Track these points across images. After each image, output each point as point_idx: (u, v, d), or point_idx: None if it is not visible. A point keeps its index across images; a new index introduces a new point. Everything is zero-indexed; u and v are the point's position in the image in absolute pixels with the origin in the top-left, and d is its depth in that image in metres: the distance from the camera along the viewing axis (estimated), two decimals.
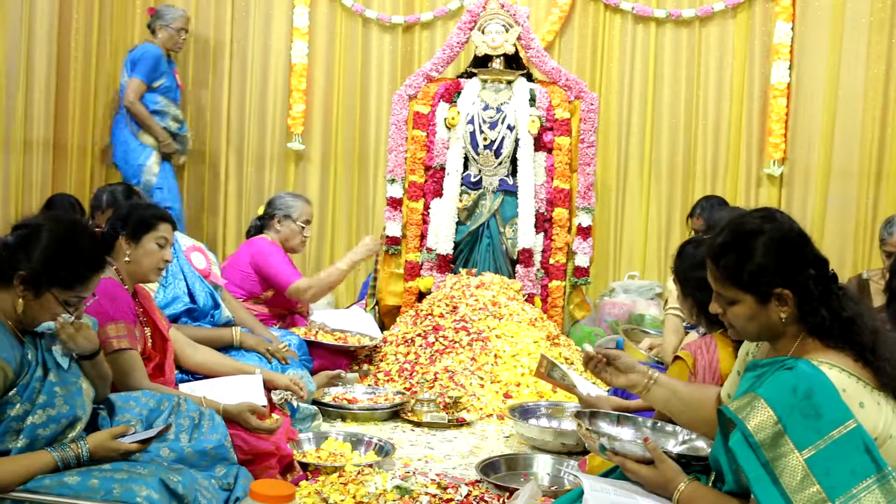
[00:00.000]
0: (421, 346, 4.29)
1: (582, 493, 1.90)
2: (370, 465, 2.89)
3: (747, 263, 1.84)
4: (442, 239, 5.08)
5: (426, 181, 5.20)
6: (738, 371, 2.06)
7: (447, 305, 4.56)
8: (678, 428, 2.20)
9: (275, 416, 3.00)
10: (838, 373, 1.75)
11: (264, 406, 2.94)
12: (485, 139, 5.07)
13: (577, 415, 2.20)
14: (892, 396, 1.78)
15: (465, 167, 5.14)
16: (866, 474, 1.66)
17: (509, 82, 5.16)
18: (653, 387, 2.14)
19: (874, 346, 1.79)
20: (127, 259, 2.81)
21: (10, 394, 2.04)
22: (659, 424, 2.22)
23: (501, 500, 2.68)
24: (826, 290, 1.84)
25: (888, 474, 1.67)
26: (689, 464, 1.98)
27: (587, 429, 2.07)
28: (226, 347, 3.47)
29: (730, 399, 2.06)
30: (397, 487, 2.63)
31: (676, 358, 2.79)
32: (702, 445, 2.13)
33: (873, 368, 1.78)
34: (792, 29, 5.97)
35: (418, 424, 3.62)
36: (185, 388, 2.98)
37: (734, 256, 1.86)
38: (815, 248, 1.87)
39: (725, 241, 1.90)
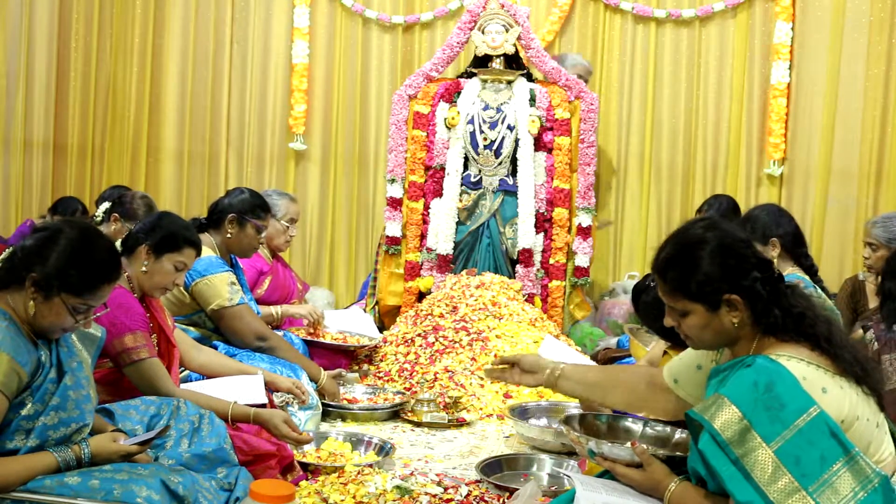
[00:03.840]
0: (421, 346, 4.29)
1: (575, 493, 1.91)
2: (370, 465, 2.89)
3: (693, 274, 1.87)
4: (442, 239, 5.09)
5: (426, 181, 5.20)
6: (699, 366, 2.08)
7: (447, 305, 4.56)
8: (668, 428, 2.21)
9: (305, 418, 3.10)
10: (797, 363, 1.77)
11: (264, 405, 2.95)
12: (485, 139, 5.07)
13: (566, 420, 2.21)
14: (854, 381, 1.80)
15: (465, 167, 5.14)
16: (835, 458, 1.69)
17: (509, 82, 5.16)
18: (559, 381, 2.26)
19: (829, 335, 1.83)
20: (144, 269, 2.80)
21: (23, 395, 2.05)
22: (651, 424, 2.23)
23: (501, 500, 2.68)
24: (774, 290, 1.87)
25: (855, 455, 1.69)
26: (680, 464, 1.98)
27: (576, 433, 2.07)
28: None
29: (676, 384, 2.13)
30: (397, 487, 2.63)
31: (665, 352, 2.84)
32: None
33: (831, 355, 1.81)
34: (792, 29, 5.97)
35: (418, 424, 3.62)
36: (188, 388, 2.99)
37: (679, 269, 1.89)
38: (756, 250, 1.90)
39: (670, 254, 1.93)
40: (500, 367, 2.37)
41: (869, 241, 4.04)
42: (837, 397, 1.75)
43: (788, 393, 1.72)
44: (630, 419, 2.26)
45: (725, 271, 1.86)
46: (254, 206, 3.74)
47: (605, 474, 2.07)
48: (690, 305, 1.89)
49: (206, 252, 3.58)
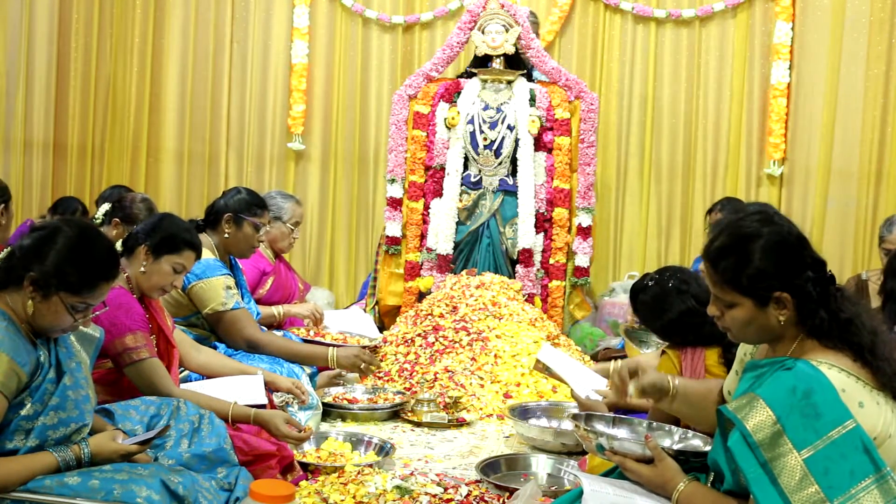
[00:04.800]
0: (421, 346, 4.29)
1: (581, 492, 1.90)
2: (370, 465, 2.89)
3: (746, 267, 1.83)
4: (442, 239, 5.08)
5: (426, 181, 5.20)
6: (737, 371, 2.06)
7: (447, 305, 4.55)
8: (674, 427, 2.21)
9: (305, 419, 3.07)
10: (837, 373, 1.75)
11: (264, 406, 2.94)
12: (485, 139, 5.07)
13: (574, 416, 2.21)
14: (891, 396, 1.78)
15: (465, 167, 5.14)
16: (865, 474, 1.66)
17: (509, 82, 5.16)
18: (674, 401, 2.13)
19: (873, 347, 1.79)
20: (143, 270, 2.79)
21: (22, 395, 2.05)
22: (654, 425, 2.22)
23: (501, 500, 2.68)
24: (824, 292, 1.83)
25: (886, 474, 1.67)
26: (688, 461, 1.98)
27: (585, 429, 2.07)
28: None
29: (730, 396, 2.07)
30: (397, 487, 2.63)
31: (663, 352, 2.83)
32: (698, 443, 2.13)
33: (872, 368, 1.78)
34: (792, 29, 5.97)
35: (418, 424, 3.62)
36: (187, 388, 2.99)
37: (732, 260, 1.85)
38: (812, 249, 1.87)
39: (724, 243, 1.89)
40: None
41: (887, 249, 4.05)
42: (873, 413, 1.73)
43: (826, 403, 1.69)
44: (634, 420, 2.25)
45: (779, 268, 1.82)
46: (250, 205, 3.73)
47: (609, 474, 2.07)
48: (739, 298, 1.85)
49: (206, 254, 3.57)
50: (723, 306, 1.90)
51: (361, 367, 3.77)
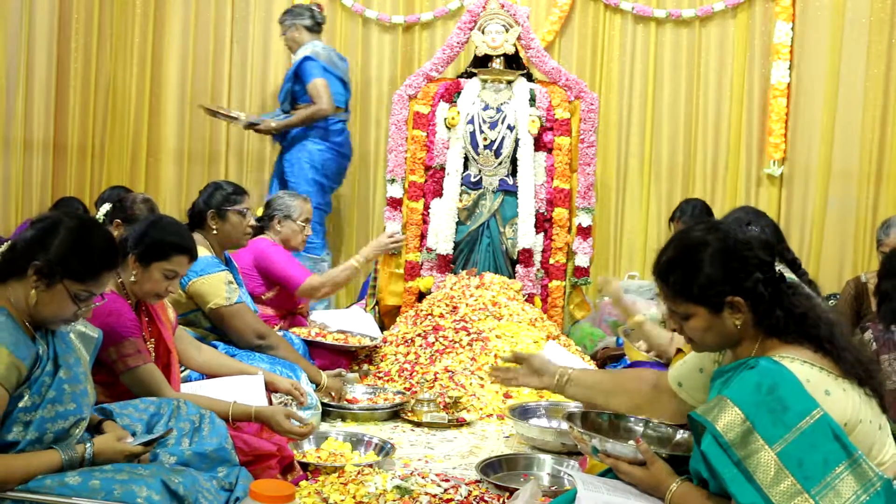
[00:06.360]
0: (421, 346, 4.29)
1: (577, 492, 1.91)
2: (370, 465, 2.89)
3: (695, 277, 1.87)
4: (442, 239, 5.09)
5: (426, 181, 5.21)
6: (701, 368, 2.08)
7: (447, 305, 4.56)
8: (670, 429, 2.21)
9: (307, 417, 3.06)
10: (800, 365, 1.77)
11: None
12: (485, 139, 5.07)
13: (569, 417, 2.21)
14: (856, 383, 1.81)
15: (465, 167, 5.14)
16: (838, 461, 1.68)
17: (509, 82, 5.17)
18: (567, 386, 2.29)
19: (832, 337, 1.82)
20: (133, 279, 2.76)
21: (21, 387, 2.06)
22: (652, 424, 2.23)
23: (501, 500, 2.69)
24: (776, 291, 1.86)
25: (858, 458, 1.69)
26: (682, 464, 1.98)
27: (579, 431, 2.07)
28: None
29: (680, 388, 2.13)
30: (397, 487, 2.63)
31: (679, 350, 2.84)
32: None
33: (834, 357, 1.81)
34: (792, 29, 5.96)
35: (418, 424, 3.62)
36: (187, 388, 2.99)
37: (681, 272, 1.89)
38: (760, 251, 1.89)
39: (671, 257, 1.93)
40: (507, 365, 2.38)
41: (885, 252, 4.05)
42: (840, 400, 1.75)
43: (792, 395, 1.71)
44: (632, 419, 2.26)
45: (728, 273, 1.85)
46: (228, 196, 3.78)
47: (607, 474, 2.07)
48: (693, 308, 1.89)
49: (202, 252, 3.58)
50: (680, 319, 1.93)
51: (341, 398, 3.71)
